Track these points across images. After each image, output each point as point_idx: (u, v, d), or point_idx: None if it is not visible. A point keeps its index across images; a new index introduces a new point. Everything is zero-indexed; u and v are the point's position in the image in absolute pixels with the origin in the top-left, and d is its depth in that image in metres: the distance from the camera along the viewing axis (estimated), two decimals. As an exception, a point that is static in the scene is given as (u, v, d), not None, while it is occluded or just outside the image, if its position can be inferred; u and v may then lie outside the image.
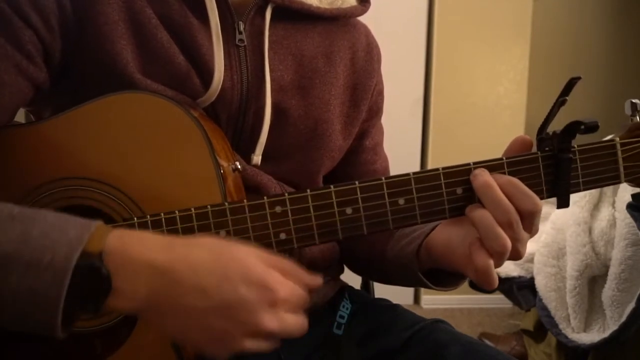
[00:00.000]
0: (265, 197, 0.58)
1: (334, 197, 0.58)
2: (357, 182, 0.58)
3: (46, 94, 0.66)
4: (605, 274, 1.44)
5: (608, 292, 1.41)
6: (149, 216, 0.58)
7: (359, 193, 0.58)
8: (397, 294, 1.03)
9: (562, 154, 0.59)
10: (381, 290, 0.92)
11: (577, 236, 1.50)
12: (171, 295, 0.48)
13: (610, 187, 1.51)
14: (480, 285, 0.59)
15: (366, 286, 1.01)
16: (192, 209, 0.57)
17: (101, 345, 0.60)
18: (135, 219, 0.58)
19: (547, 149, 0.60)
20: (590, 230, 1.50)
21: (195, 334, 0.49)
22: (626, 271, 1.36)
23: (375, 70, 0.82)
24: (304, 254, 0.75)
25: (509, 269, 1.72)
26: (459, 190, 0.59)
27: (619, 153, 0.62)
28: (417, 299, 2.76)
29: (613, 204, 1.49)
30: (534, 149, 0.61)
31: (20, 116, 0.69)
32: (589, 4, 3.00)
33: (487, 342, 2.05)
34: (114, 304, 0.48)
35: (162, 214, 0.57)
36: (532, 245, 1.64)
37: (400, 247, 0.73)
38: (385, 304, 0.85)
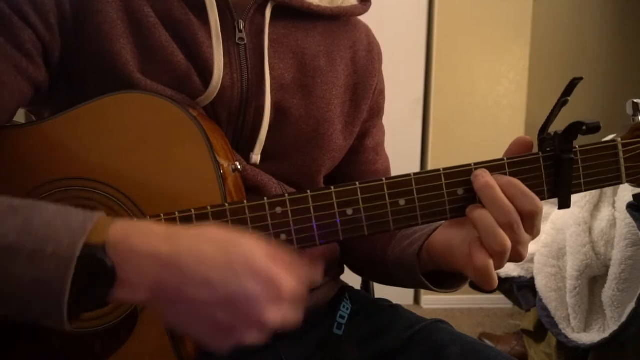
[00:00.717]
0: (265, 198, 0.57)
1: (334, 198, 0.58)
2: (357, 183, 0.58)
3: (46, 94, 0.65)
4: (606, 274, 1.44)
5: (608, 292, 1.41)
6: (148, 217, 0.58)
7: (359, 194, 0.58)
8: (397, 294, 1.03)
9: (564, 154, 0.59)
10: (381, 291, 0.91)
11: (577, 236, 1.50)
12: (176, 287, 0.48)
13: (611, 188, 1.51)
14: (480, 285, 0.59)
15: (366, 286, 1.01)
16: (192, 210, 0.57)
17: (101, 346, 0.60)
18: (135, 220, 0.58)
19: (548, 149, 0.60)
20: (590, 231, 1.50)
21: (198, 326, 0.49)
22: (626, 271, 1.36)
23: (377, 70, 0.82)
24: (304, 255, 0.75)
25: (509, 269, 1.72)
26: (460, 191, 0.59)
27: (621, 153, 0.61)
28: (417, 299, 2.76)
29: (613, 204, 1.49)
30: (535, 149, 0.61)
31: (20, 116, 0.69)
32: (589, 4, 3.00)
33: (487, 342, 2.05)
34: (119, 295, 0.47)
35: (162, 215, 0.57)
36: (532, 246, 1.63)
37: (401, 249, 0.73)
38: (385, 304, 0.85)
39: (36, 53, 0.61)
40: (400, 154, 1.82)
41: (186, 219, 0.57)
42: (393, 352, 0.75)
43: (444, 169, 0.59)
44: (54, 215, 0.48)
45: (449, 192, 0.59)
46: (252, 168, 0.71)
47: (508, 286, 1.74)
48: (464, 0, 2.55)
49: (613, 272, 1.40)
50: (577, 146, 0.60)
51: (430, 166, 2.52)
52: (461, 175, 0.59)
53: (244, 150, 0.71)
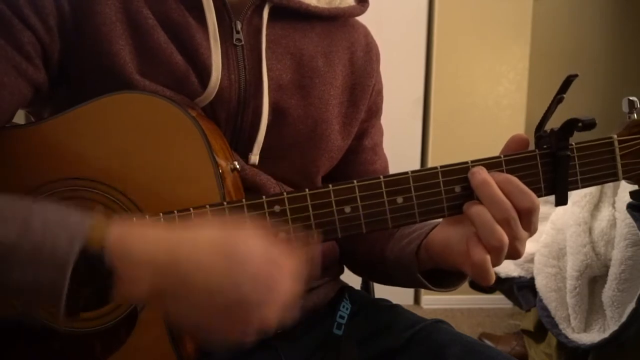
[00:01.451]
0: (264, 197, 0.58)
1: (332, 196, 0.58)
2: (355, 181, 0.58)
3: (45, 95, 0.66)
4: (606, 274, 1.44)
5: (608, 292, 1.40)
6: (147, 216, 0.58)
7: (357, 192, 0.58)
8: (397, 294, 1.03)
9: (560, 151, 0.59)
10: (381, 291, 0.91)
11: (578, 236, 1.50)
12: (175, 294, 0.48)
13: (611, 187, 1.51)
14: (478, 281, 0.59)
15: (366, 286, 1.01)
16: (191, 209, 0.57)
17: (101, 346, 0.60)
18: (134, 219, 0.58)
19: (545, 146, 0.60)
20: (590, 231, 1.50)
21: (202, 324, 0.50)
22: (626, 271, 1.36)
23: (374, 70, 0.82)
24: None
25: (509, 269, 1.72)
26: (457, 189, 0.59)
27: (617, 150, 0.62)
28: (417, 299, 2.76)
29: (613, 204, 1.49)
30: (532, 146, 0.61)
31: (20, 117, 0.69)
32: (589, 4, 3.00)
33: (487, 342, 2.05)
34: (118, 295, 0.48)
35: (161, 214, 0.57)
36: (532, 246, 1.64)
37: (400, 248, 0.73)
38: (385, 304, 0.85)
39: (36, 54, 0.62)
40: (400, 154, 1.82)
41: (185, 218, 0.57)
42: (393, 352, 0.75)
43: (441, 167, 0.59)
44: (53, 215, 0.48)
45: (447, 189, 0.59)
46: (251, 168, 0.71)
47: (508, 286, 1.74)
48: (464, 0, 2.55)
49: (613, 272, 1.40)
50: (573, 143, 0.61)
51: (430, 166, 2.52)
52: (458, 173, 0.59)
53: (242, 151, 0.71)
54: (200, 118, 0.63)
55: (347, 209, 0.58)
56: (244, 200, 0.58)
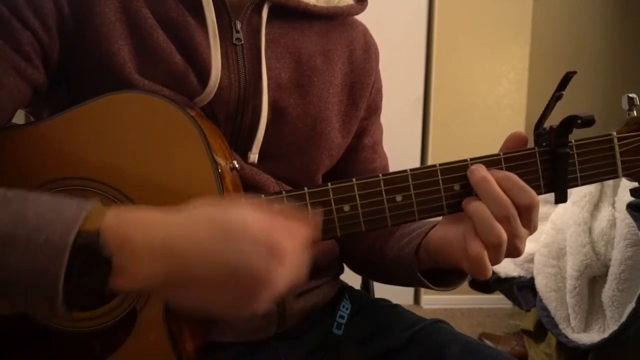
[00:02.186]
0: (262, 195, 0.58)
1: (331, 195, 0.58)
2: (354, 179, 0.58)
3: (44, 95, 0.66)
4: (605, 274, 1.44)
5: (608, 292, 1.40)
6: None
7: (356, 190, 0.58)
8: (397, 294, 1.03)
9: (560, 148, 0.59)
10: (381, 290, 0.91)
11: (577, 236, 1.50)
12: (178, 271, 0.48)
13: (610, 187, 1.51)
14: (474, 275, 0.59)
15: (366, 286, 1.01)
16: None
17: (100, 346, 0.60)
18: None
19: (544, 144, 0.60)
20: (590, 231, 1.50)
21: (212, 302, 0.49)
22: (626, 271, 1.36)
23: (373, 69, 0.82)
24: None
25: (509, 269, 1.72)
26: (457, 186, 0.59)
27: (617, 147, 0.62)
28: (417, 299, 2.76)
29: (613, 204, 1.49)
30: (531, 144, 0.61)
31: (20, 117, 0.69)
32: (589, 3, 3.01)
33: (487, 342, 2.05)
34: (119, 284, 0.47)
35: None
36: (532, 246, 1.64)
37: (399, 247, 0.73)
38: (385, 304, 0.85)
39: (35, 55, 0.62)
40: (400, 154, 1.82)
41: None
42: (393, 352, 0.75)
43: (440, 165, 0.59)
44: (47, 204, 0.47)
45: (446, 187, 0.59)
46: (250, 167, 0.71)
47: (508, 286, 1.74)
48: (464, 0, 2.55)
49: (613, 272, 1.40)
50: (572, 140, 0.61)
51: (430, 167, 2.52)
52: (457, 171, 0.59)
53: (242, 150, 0.71)
54: (199, 117, 0.63)
55: (346, 208, 0.58)
56: (242, 199, 0.58)
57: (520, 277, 1.70)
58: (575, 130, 0.59)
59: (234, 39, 0.69)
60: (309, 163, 0.76)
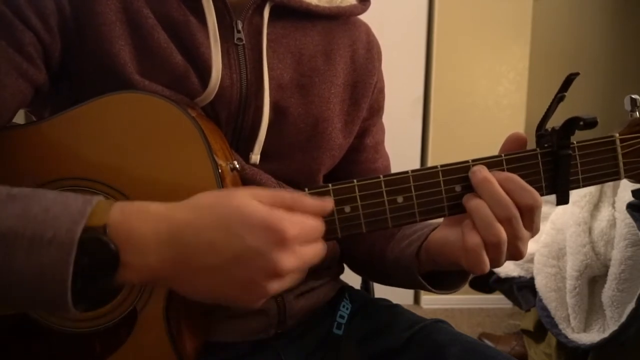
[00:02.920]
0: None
1: (332, 196, 0.58)
2: (355, 181, 0.58)
3: (46, 95, 0.66)
4: (605, 274, 1.44)
5: (608, 292, 1.41)
6: None
7: (357, 191, 0.58)
8: (397, 294, 1.03)
9: (562, 150, 0.59)
10: (381, 290, 0.91)
11: (577, 236, 1.50)
12: (184, 261, 0.48)
13: (610, 187, 1.51)
14: (470, 270, 0.58)
15: (366, 286, 1.01)
16: None
17: (101, 346, 0.60)
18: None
19: (546, 145, 0.60)
20: (590, 231, 1.50)
21: (220, 291, 0.50)
22: (626, 271, 1.36)
23: (376, 68, 0.82)
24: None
25: (509, 269, 1.73)
26: (458, 188, 0.59)
27: (619, 149, 0.61)
28: (417, 299, 2.76)
29: (613, 204, 1.49)
30: (533, 145, 0.61)
31: (20, 117, 0.69)
32: (589, 4, 3.01)
33: (487, 342, 2.05)
34: (126, 277, 0.48)
35: None
36: (532, 245, 1.64)
37: (400, 249, 0.73)
38: (385, 304, 0.85)
39: (36, 55, 0.62)
40: (400, 154, 1.81)
41: None
42: (393, 352, 0.75)
43: (442, 166, 0.59)
44: (52, 201, 0.48)
45: (447, 189, 0.59)
46: (251, 167, 0.71)
47: (508, 286, 1.74)
48: (464, 0, 2.55)
49: (613, 272, 1.40)
50: (574, 142, 0.60)
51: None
52: (459, 172, 0.59)
53: (243, 150, 0.71)
54: (200, 118, 0.63)
55: (347, 209, 0.58)
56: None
57: (520, 277, 1.70)
58: (576, 131, 0.59)
59: (235, 39, 0.69)
60: (311, 163, 0.75)
